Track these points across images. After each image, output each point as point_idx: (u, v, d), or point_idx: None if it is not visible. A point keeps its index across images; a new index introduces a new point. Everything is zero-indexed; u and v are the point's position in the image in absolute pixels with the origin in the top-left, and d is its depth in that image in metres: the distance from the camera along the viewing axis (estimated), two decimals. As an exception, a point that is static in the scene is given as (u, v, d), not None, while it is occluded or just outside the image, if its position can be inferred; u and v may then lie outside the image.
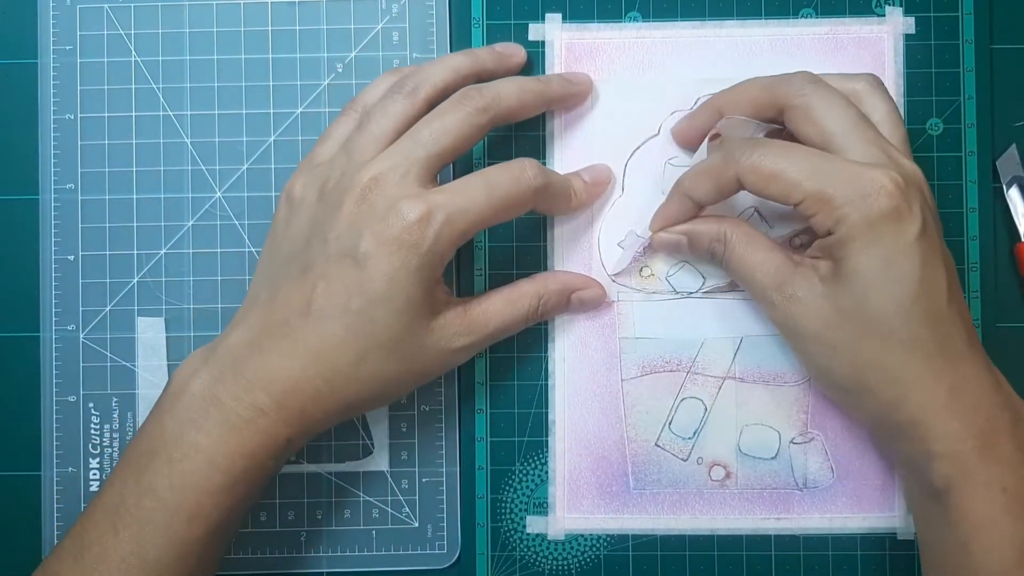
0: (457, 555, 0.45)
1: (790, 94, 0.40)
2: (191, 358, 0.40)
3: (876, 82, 0.41)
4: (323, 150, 0.42)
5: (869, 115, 0.40)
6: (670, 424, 0.45)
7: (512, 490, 0.45)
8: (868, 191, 0.37)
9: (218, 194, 0.46)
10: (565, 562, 0.45)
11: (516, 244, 0.45)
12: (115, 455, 0.45)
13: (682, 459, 0.45)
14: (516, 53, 0.44)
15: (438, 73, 0.42)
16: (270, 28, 0.46)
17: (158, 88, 0.46)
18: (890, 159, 0.38)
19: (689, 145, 0.44)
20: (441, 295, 0.40)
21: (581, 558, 0.45)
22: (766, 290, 0.40)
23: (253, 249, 0.45)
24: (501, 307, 0.41)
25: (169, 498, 0.37)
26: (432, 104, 0.41)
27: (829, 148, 0.39)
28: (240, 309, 0.41)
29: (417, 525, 0.45)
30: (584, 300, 0.44)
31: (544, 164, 0.45)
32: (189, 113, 0.46)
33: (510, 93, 0.41)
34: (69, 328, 0.45)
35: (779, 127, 0.41)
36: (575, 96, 0.44)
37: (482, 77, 0.43)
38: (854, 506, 0.44)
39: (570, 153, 0.45)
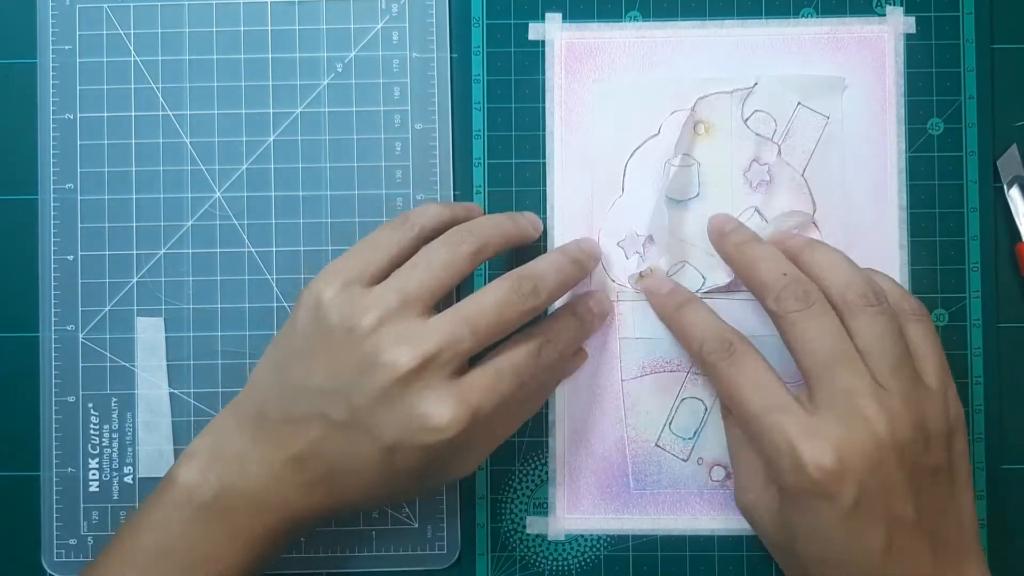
0: (457, 555, 0.45)
1: (775, 312, 0.39)
2: (194, 454, 0.39)
3: (878, 295, 0.39)
4: (363, 263, 0.40)
5: (855, 338, 0.38)
6: (670, 424, 0.45)
7: (512, 490, 0.45)
8: (794, 469, 0.36)
9: (218, 194, 0.46)
10: (565, 562, 0.45)
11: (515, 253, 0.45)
12: (114, 455, 0.45)
13: (682, 459, 0.45)
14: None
15: (494, 235, 0.41)
16: (270, 28, 0.46)
17: (157, 88, 0.46)
18: (849, 421, 0.36)
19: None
20: None
21: (581, 558, 0.45)
22: (737, 480, 0.42)
23: (253, 249, 0.45)
24: (503, 425, 0.42)
25: None
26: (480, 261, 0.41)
27: (804, 380, 0.38)
28: (242, 402, 0.40)
29: (417, 525, 0.45)
30: (571, 371, 0.45)
31: (544, 164, 0.45)
32: (189, 113, 0.46)
33: (557, 290, 0.41)
34: (68, 328, 0.45)
35: None
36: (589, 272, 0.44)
37: (521, 243, 0.43)
38: (854, 506, 0.44)
39: (570, 153, 0.45)
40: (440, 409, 0.37)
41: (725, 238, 0.43)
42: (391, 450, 0.37)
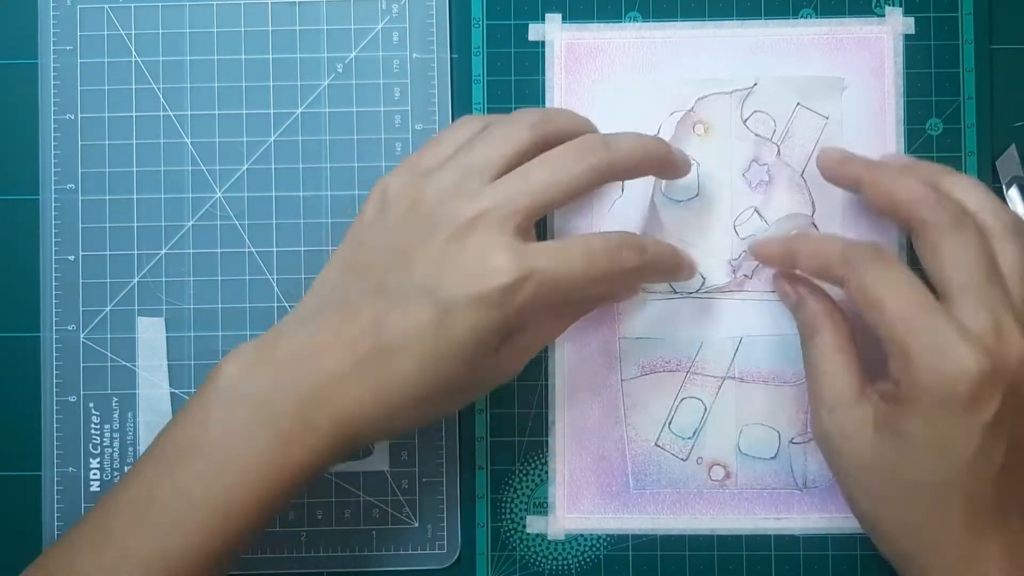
0: (457, 555, 0.45)
1: (926, 222, 0.38)
2: (242, 352, 0.38)
3: (1018, 225, 0.39)
4: (432, 155, 0.39)
5: (998, 259, 0.37)
6: (670, 424, 0.45)
7: (512, 490, 0.45)
8: (949, 371, 0.35)
9: (218, 194, 0.46)
10: (565, 562, 0.45)
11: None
12: (115, 455, 0.45)
13: (682, 459, 0.45)
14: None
15: (565, 115, 0.40)
16: (270, 28, 0.46)
17: (158, 88, 0.46)
18: (998, 334, 0.36)
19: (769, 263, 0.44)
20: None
21: (581, 558, 0.45)
22: (820, 402, 0.39)
23: (253, 249, 0.45)
24: (548, 326, 0.41)
25: (203, 506, 0.35)
26: (551, 144, 0.39)
27: (943, 295, 0.37)
28: (304, 303, 0.39)
29: (417, 525, 0.45)
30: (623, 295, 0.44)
31: (544, 164, 0.45)
32: (189, 113, 0.46)
33: (636, 153, 0.39)
34: (69, 328, 0.45)
35: None
36: (686, 168, 0.42)
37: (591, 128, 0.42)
38: (854, 506, 0.44)
39: (570, 153, 0.45)
40: (496, 256, 0.36)
41: (847, 164, 0.41)
42: (446, 310, 0.36)
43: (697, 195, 0.45)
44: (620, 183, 0.45)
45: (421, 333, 0.36)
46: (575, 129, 0.41)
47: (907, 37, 0.45)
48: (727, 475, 0.45)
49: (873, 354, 0.39)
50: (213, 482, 0.36)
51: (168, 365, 0.45)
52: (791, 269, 0.42)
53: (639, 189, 0.45)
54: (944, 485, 0.36)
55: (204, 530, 0.36)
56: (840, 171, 0.42)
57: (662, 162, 0.41)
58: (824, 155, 0.42)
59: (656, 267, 0.41)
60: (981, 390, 0.35)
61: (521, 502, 0.45)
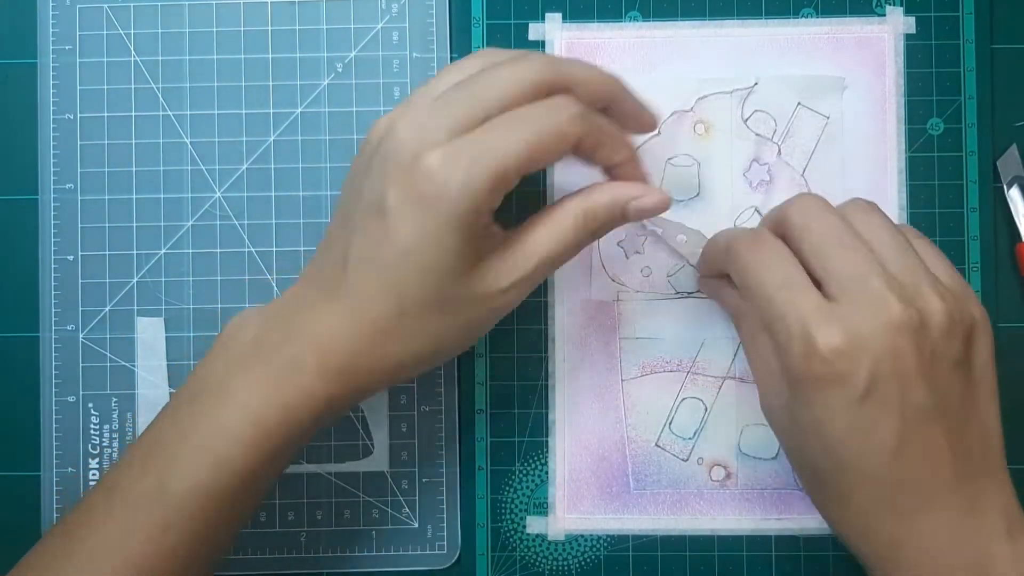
0: (457, 555, 0.45)
1: (781, 221, 0.38)
2: (246, 311, 0.39)
3: (869, 205, 0.38)
4: (432, 86, 0.37)
5: (870, 237, 0.36)
6: (670, 424, 0.45)
7: (512, 490, 0.45)
8: (798, 349, 0.34)
9: (218, 194, 0.46)
10: (565, 562, 0.45)
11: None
12: (115, 455, 0.45)
13: (682, 459, 0.45)
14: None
15: (579, 72, 0.37)
16: (270, 28, 0.46)
17: (158, 88, 0.46)
18: (864, 297, 0.35)
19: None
20: (486, 240, 0.36)
21: (581, 558, 0.45)
22: (759, 388, 0.39)
23: (253, 249, 0.45)
24: (544, 234, 0.37)
25: (199, 441, 0.36)
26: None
27: (811, 268, 0.36)
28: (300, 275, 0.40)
29: (417, 525, 0.45)
30: (643, 208, 0.38)
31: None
32: (189, 113, 0.46)
33: (588, 81, 0.37)
34: (69, 328, 0.45)
35: None
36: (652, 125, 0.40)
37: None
38: (854, 506, 0.44)
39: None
40: (428, 157, 0.34)
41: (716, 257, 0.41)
42: (383, 215, 0.35)
43: (698, 195, 0.45)
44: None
45: (376, 246, 0.36)
46: (589, 82, 0.37)
47: (908, 36, 0.45)
48: (728, 475, 0.45)
49: None
50: (209, 420, 0.36)
51: (167, 365, 0.45)
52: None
53: (639, 189, 0.45)
54: (837, 468, 0.35)
55: (200, 464, 0.36)
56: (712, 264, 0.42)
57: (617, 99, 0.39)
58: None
59: (609, 148, 0.37)
60: (839, 366, 0.34)
61: (521, 502, 0.45)
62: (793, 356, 0.35)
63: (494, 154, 0.35)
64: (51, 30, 0.46)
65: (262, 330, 0.38)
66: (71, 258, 0.45)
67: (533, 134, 0.35)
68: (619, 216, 0.38)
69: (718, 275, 0.42)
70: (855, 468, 0.35)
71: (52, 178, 0.45)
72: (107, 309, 0.45)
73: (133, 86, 0.46)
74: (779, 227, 0.38)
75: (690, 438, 0.45)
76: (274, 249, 0.45)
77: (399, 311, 0.36)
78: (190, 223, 0.45)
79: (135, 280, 0.45)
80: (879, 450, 0.34)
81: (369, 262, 0.36)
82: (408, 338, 0.37)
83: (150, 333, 0.45)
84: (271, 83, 0.46)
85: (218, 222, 0.45)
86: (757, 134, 0.45)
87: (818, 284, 0.36)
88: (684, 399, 0.45)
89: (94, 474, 0.45)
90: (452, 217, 0.35)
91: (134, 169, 0.45)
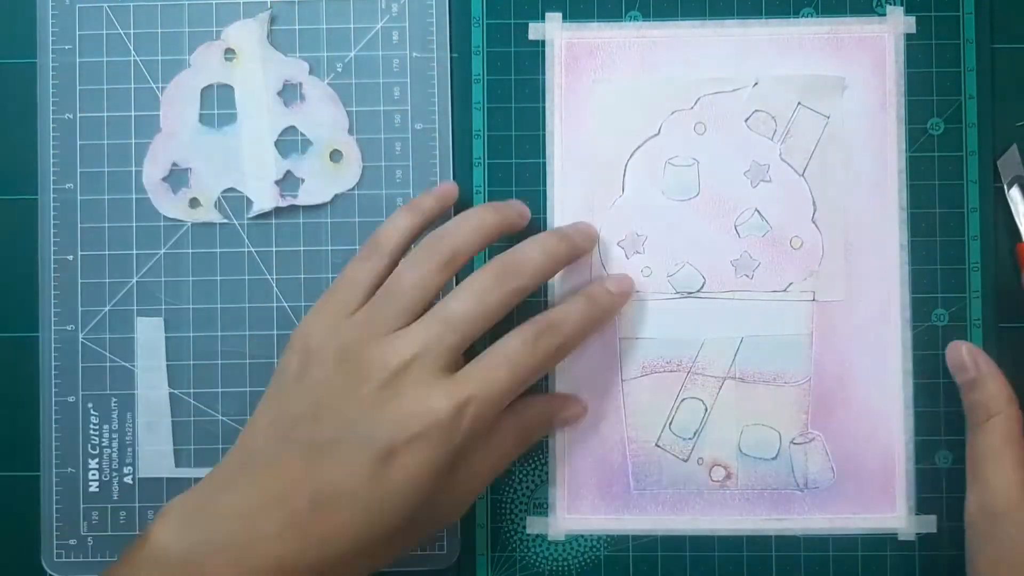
0: (457, 556, 0.45)
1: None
2: (170, 512, 0.37)
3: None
4: (343, 298, 0.40)
5: None
6: (670, 424, 0.45)
7: (512, 490, 0.45)
8: None
9: (218, 194, 0.45)
10: (565, 563, 0.45)
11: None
12: (114, 455, 0.45)
13: (682, 459, 0.45)
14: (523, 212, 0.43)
15: (469, 238, 0.40)
16: (270, 28, 0.46)
17: (157, 88, 0.46)
18: None
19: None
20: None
21: (581, 559, 0.45)
22: (983, 494, 0.39)
23: (253, 249, 0.45)
24: (488, 459, 0.40)
25: None
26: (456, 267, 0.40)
27: None
28: (231, 459, 0.38)
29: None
30: (566, 420, 0.44)
31: (544, 164, 0.45)
32: (188, 113, 0.46)
33: (544, 268, 0.40)
34: (68, 328, 0.45)
35: None
36: (585, 251, 0.44)
37: (506, 231, 0.42)
38: (855, 506, 0.44)
39: (570, 153, 0.45)
40: (431, 397, 0.37)
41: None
42: (384, 457, 0.36)
43: (698, 195, 0.45)
44: (621, 182, 0.45)
45: (359, 483, 0.36)
46: (496, 232, 0.41)
47: (908, 36, 0.45)
48: (728, 475, 0.45)
49: None
50: None
51: (167, 365, 0.45)
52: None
53: (640, 188, 0.45)
54: None
55: None
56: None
57: (572, 257, 0.42)
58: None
59: (578, 333, 0.41)
60: None
61: (521, 502, 0.45)
62: None
63: (492, 403, 0.38)
64: (51, 30, 0.46)
65: (201, 549, 0.35)
66: (71, 258, 0.45)
67: (524, 376, 0.39)
68: (547, 428, 0.44)
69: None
70: None
71: (52, 178, 0.45)
72: (107, 309, 0.45)
73: (133, 86, 0.46)
74: None
75: (690, 438, 0.45)
76: (274, 249, 0.45)
77: (368, 546, 0.37)
78: (190, 223, 0.45)
79: (135, 280, 0.45)
80: None
81: (347, 500, 0.36)
82: (364, 561, 0.37)
83: (150, 333, 0.45)
84: (271, 83, 0.46)
85: (218, 222, 0.45)
86: (757, 134, 0.45)
87: None
88: (684, 399, 0.45)
89: (93, 474, 0.45)
90: (448, 459, 0.37)
91: (134, 169, 0.45)
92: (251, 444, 0.39)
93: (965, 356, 0.42)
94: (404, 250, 0.41)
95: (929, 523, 0.44)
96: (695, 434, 0.45)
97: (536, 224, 0.45)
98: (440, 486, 0.38)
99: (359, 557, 0.37)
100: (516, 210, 0.43)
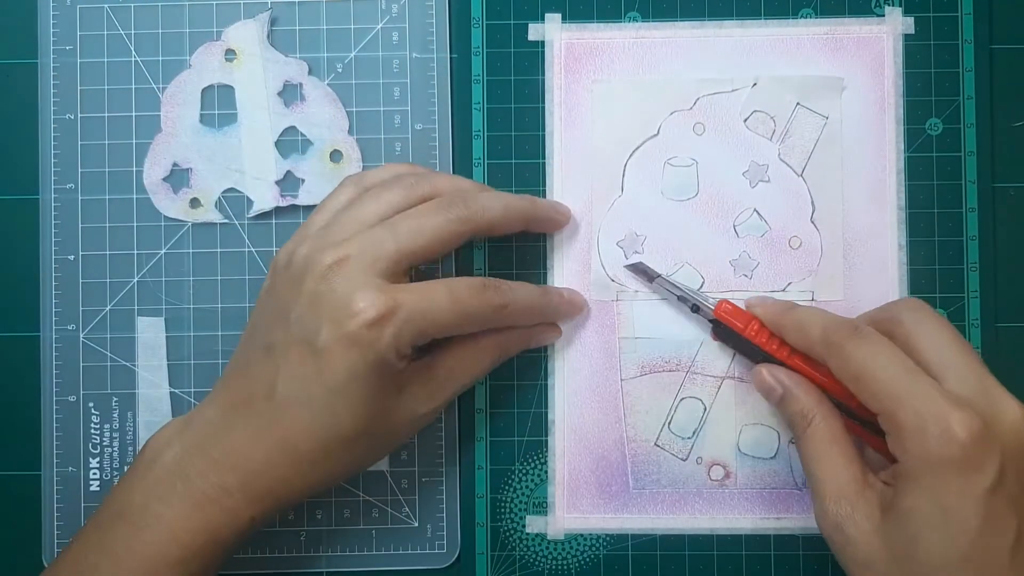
0: (457, 555, 0.45)
1: (891, 321, 0.39)
2: (167, 427, 0.40)
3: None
4: (316, 221, 0.41)
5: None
6: (669, 424, 0.45)
7: (512, 490, 0.45)
8: (939, 435, 0.34)
9: (218, 194, 0.46)
10: (565, 562, 0.45)
11: (516, 244, 0.45)
12: (115, 455, 0.45)
13: (681, 459, 0.45)
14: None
15: (443, 182, 0.41)
16: (270, 28, 0.46)
17: (158, 88, 0.46)
18: (987, 397, 0.36)
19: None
20: (405, 373, 0.39)
21: (581, 558, 0.45)
22: (824, 497, 0.38)
23: (253, 249, 0.45)
24: (462, 366, 0.41)
25: (126, 563, 0.37)
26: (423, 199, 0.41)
27: (932, 369, 0.37)
28: (219, 379, 0.41)
29: (417, 525, 0.45)
30: (542, 340, 0.44)
31: (544, 164, 0.45)
32: (189, 113, 0.46)
33: (495, 209, 0.41)
34: (69, 328, 0.45)
35: None
36: (556, 223, 0.44)
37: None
38: (853, 506, 0.44)
39: (570, 153, 0.45)
40: (360, 295, 0.37)
41: (781, 319, 0.41)
42: (322, 354, 0.37)
43: (697, 194, 0.45)
44: (620, 182, 0.45)
45: (306, 382, 0.38)
46: (450, 188, 0.41)
47: (907, 37, 0.45)
48: (727, 475, 0.45)
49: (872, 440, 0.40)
50: (135, 543, 0.38)
51: (168, 365, 0.45)
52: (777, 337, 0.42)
53: (639, 188, 0.45)
54: (957, 564, 0.35)
55: None
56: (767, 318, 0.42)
57: (527, 219, 0.42)
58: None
59: (523, 307, 0.42)
60: (974, 452, 0.34)
61: (521, 502, 0.45)
62: (929, 441, 0.35)
63: (425, 318, 0.38)
64: (52, 30, 0.46)
65: (185, 455, 0.39)
66: (72, 258, 0.45)
67: (463, 310, 0.39)
68: (524, 345, 0.44)
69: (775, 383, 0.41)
70: (977, 562, 0.35)
71: (53, 178, 0.46)
72: (107, 309, 0.45)
73: (133, 86, 0.46)
74: (883, 325, 0.39)
75: (689, 438, 0.45)
76: (274, 249, 0.45)
77: (326, 445, 0.39)
78: (190, 223, 0.46)
79: (135, 280, 0.45)
80: (998, 549, 0.35)
81: (299, 397, 0.38)
82: (333, 464, 0.39)
83: (150, 333, 0.45)
84: (271, 83, 0.46)
85: (218, 222, 0.46)
86: (756, 134, 0.45)
87: None
88: (683, 399, 0.45)
89: (94, 473, 0.45)
90: (380, 363, 0.37)
91: (134, 169, 0.46)
92: (232, 359, 0.41)
93: (768, 378, 0.41)
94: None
95: (928, 522, 0.44)
96: (694, 433, 0.45)
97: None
98: (385, 391, 0.38)
99: (324, 457, 0.39)
100: (555, 207, 0.44)
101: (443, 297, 0.39)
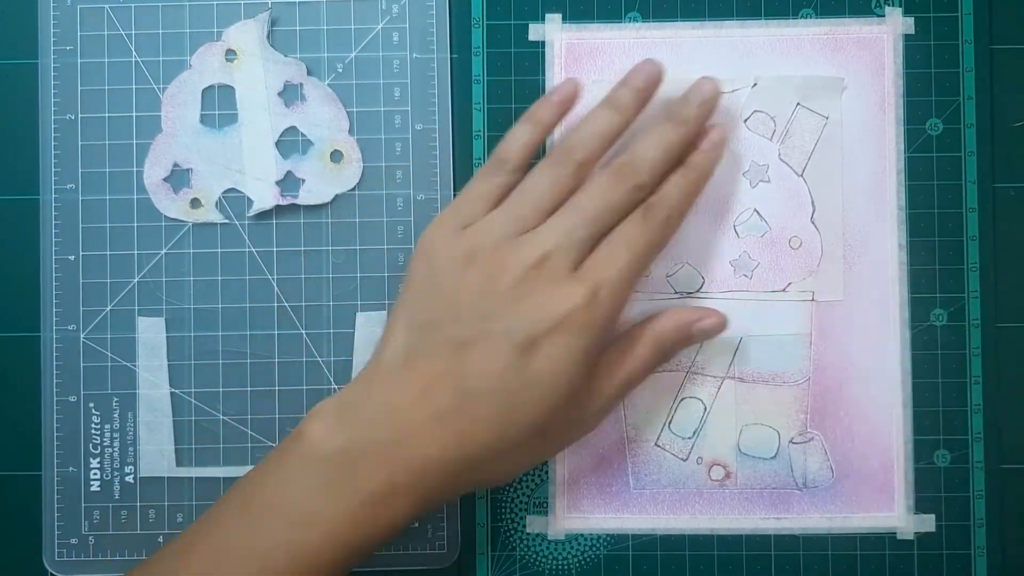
0: (457, 555, 0.45)
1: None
2: (323, 411, 0.38)
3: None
4: (469, 211, 0.41)
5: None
6: (670, 424, 0.45)
7: (512, 490, 0.45)
8: None
9: (219, 194, 0.46)
10: (565, 562, 0.45)
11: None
12: (115, 455, 0.45)
13: (682, 459, 0.45)
14: (654, 82, 0.42)
15: (595, 144, 0.41)
16: (270, 28, 0.46)
17: (158, 88, 0.46)
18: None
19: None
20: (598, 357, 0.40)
21: (581, 558, 0.45)
22: None
23: (254, 249, 0.45)
24: (623, 363, 0.41)
25: (280, 560, 0.36)
26: (586, 171, 0.41)
27: None
28: (371, 366, 0.39)
29: (417, 525, 0.45)
30: (705, 330, 0.42)
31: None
32: (189, 113, 0.46)
33: (661, 162, 0.41)
34: (70, 328, 0.45)
35: None
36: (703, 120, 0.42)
37: (625, 128, 0.42)
38: (854, 506, 0.44)
39: (570, 153, 0.45)
40: (566, 288, 0.38)
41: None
42: (526, 348, 0.37)
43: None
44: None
45: (503, 375, 0.38)
46: (604, 148, 0.41)
47: (907, 37, 0.45)
48: (727, 475, 0.45)
49: None
50: (291, 542, 0.36)
51: (168, 365, 0.45)
52: None
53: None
54: None
55: None
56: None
57: (687, 139, 0.41)
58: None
59: (687, 202, 0.41)
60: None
61: (521, 502, 0.45)
62: None
63: (623, 286, 0.39)
64: (52, 31, 0.46)
65: (352, 448, 0.37)
66: (72, 258, 0.46)
67: (645, 255, 0.40)
68: (684, 339, 0.43)
69: None
70: None
71: (53, 178, 0.46)
72: (108, 309, 0.45)
73: (134, 86, 0.46)
74: None
75: (689, 438, 0.45)
76: (274, 249, 0.45)
77: (510, 439, 0.38)
78: (190, 223, 0.46)
79: (136, 280, 0.46)
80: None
81: (491, 390, 0.38)
82: (504, 463, 0.39)
83: (151, 333, 0.45)
84: (271, 83, 0.46)
85: (218, 222, 0.46)
86: (757, 134, 0.45)
87: None
88: (683, 399, 0.45)
89: (95, 473, 0.45)
90: (589, 348, 0.38)
91: (135, 169, 0.46)
92: (390, 351, 0.39)
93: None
94: (527, 163, 0.42)
95: (928, 522, 0.44)
96: (694, 433, 0.45)
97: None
98: (580, 382, 0.39)
99: (499, 456, 0.38)
100: (640, 96, 0.42)
101: (625, 252, 0.39)
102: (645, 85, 0.42)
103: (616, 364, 0.41)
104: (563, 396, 0.38)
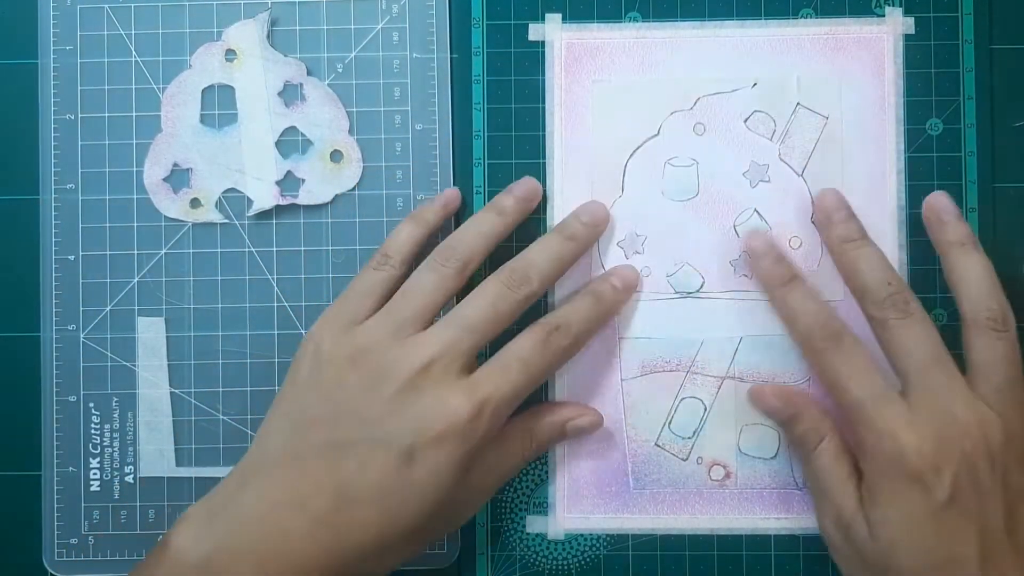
0: (457, 555, 0.45)
1: (873, 317, 0.41)
2: (191, 517, 0.37)
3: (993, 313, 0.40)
4: (355, 307, 0.41)
5: (971, 352, 0.40)
6: (670, 424, 0.45)
7: (512, 490, 0.45)
8: (893, 450, 0.38)
9: (218, 194, 0.46)
10: (565, 562, 0.45)
11: (516, 244, 0.45)
12: (115, 455, 0.45)
13: (682, 459, 0.45)
14: (534, 195, 0.44)
15: (477, 245, 0.42)
16: (270, 28, 0.46)
17: (158, 88, 0.46)
18: (945, 414, 0.38)
19: None
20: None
21: (581, 558, 0.45)
22: (830, 511, 0.40)
23: (254, 249, 0.45)
24: (497, 457, 0.41)
25: None
26: (471, 276, 0.41)
27: (902, 376, 0.39)
28: (246, 462, 0.39)
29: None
30: (580, 427, 0.44)
31: (544, 165, 0.45)
32: (189, 113, 0.46)
33: (552, 272, 0.42)
34: (69, 328, 0.45)
35: None
36: (592, 241, 0.44)
37: (509, 232, 0.43)
38: (854, 506, 0.44)
39: (570, 153, 0.45)
40: (451, 398, 0.38)
41: (831, 229, 0.43)
42: (407, 456, 0.37)
43: (697, 195, 0.45)
44: (620, 182, 0.45)
45: (382, 482, 0.37)
46: (506, 233, 0.43)
47: (907, 37, 0.45)
48: (727, 475, 0.45)
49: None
50: None
51: (168, 365, 0.45)
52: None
53: (639, 189, 0.45)
54: (930, 573, 0.37)
55: None
56: (821, 229, 0.43)
57: (579, 254, 0.43)
58: (819, 202, 0.43)
59: (587, 331, 0.42)
60: (926, 470, 0.37)
61: (521, 502, 0.45)
62: (882, 457, 0.38)
63: (508, 402, 0.39)
64: (52, 30, 0.46)
65: (224, 555, 0.36)
66: (72, 258, 0.45)
67: (536, 374, 0.40)
68: (560, 436, 0.44)
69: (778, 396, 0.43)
70: (948, 571, 0.37)
71: (53, 178, 0.46)
72: (108, 309, 0.45)
73: (134, 86, 0.46)
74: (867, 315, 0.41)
75: (689, 438, 0.45)
76: (275, 249, 0.45)
77: (389, 540, 0.38)
78: (190, 223, 0.46)
79: (136, 280, 0.45)
80: (963, 561, 0.37)
81: (370, 495, 0.37)
82: (389, 557, 0.39)
83: (151, 333, 0.45)
84: (271, 83, 0.46)
85: (218, 222, 0.46)
86: (757, 134, 0.45)
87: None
88: (683, 399, 0.45)
89: (94, 474, 0.45)
90: (466, 456, 0.38)
91: (134, 169, 0.46)
92: (267, 448, 0.39)
93: (774, 400, 0.43)
94: (413, 260, 0.42)
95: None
96: (694, 433, 0.45)
97: (536, 226, 0.45)
98: (459, 484, 0.39)
99: (380, 555, 0.38)
100: (522, 205, 0.43)
101: (518, 372, 0.40)
102: (526, 196, 0.43)
103: (494, 462, 0.41)
104: (442, 500, 0.38)
